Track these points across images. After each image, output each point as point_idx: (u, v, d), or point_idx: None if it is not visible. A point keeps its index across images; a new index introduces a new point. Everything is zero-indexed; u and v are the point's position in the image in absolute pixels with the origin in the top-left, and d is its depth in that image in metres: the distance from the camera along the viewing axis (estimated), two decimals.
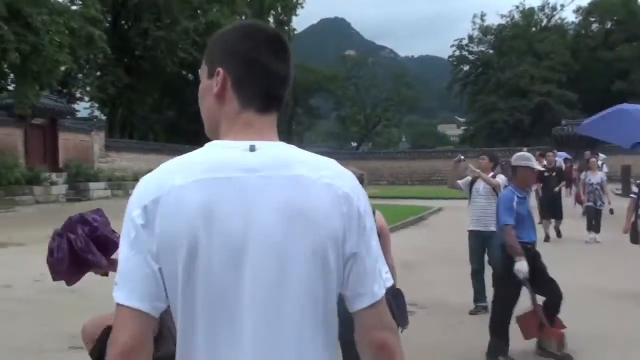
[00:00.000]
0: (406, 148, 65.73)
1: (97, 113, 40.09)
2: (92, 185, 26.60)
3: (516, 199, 5.49)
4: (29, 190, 23.27)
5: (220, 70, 1.36)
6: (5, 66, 19.19)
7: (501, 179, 7.50)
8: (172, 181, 1.26)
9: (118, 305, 1.27)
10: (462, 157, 7.63)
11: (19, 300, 7.58)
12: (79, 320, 5.33)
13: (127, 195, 28.08)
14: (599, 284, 8.64)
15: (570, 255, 11.23)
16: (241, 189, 1.25)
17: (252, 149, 1.30)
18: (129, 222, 1.28)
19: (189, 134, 43.29)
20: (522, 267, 5.30)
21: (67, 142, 27.88)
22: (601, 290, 8.21)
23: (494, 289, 5.70)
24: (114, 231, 2.95)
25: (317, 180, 1.29)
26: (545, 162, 15.56)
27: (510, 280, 5.39)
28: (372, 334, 1.37)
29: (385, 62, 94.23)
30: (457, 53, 62.29)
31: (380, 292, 1.37)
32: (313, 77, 56.39)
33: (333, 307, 1.34)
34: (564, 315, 6.66)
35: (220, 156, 1.29)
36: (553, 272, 9.20)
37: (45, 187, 24.39)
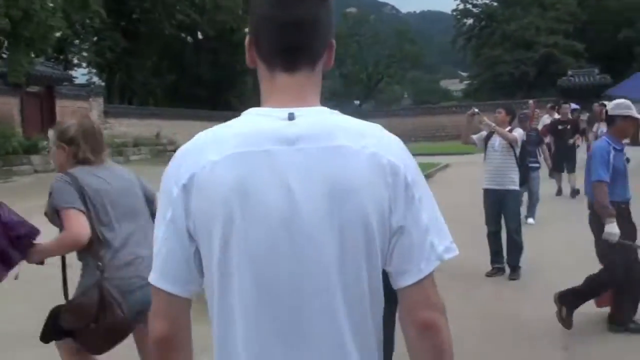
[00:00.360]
0: (409, 104, 64.97)
1: (95, 79, 39.52)
2: None
3: (612, 151, 4.90)
4: (27, 160, 22.83)
5: (246, 38, 1.31)
6: None
7: (518, 132, 7.00)
8: (207, 155, 1.21)
9: (153, 286, 1.28)
10: (476, 110, 7.12)
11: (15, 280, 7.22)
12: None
13: (128, 161, 27.87)
14: None
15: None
16: (278, 163, 1.19)
17: (291, 117, 1.22)
18: (166, 200, 1.25)
19: (189, 97, 42.83)
20: (612, 229, 4.76)
21: (65, 109, 27.34)
22: None
23: (600, 258, 5.04)
24: (18, 218, 2.89)
25: (359, 150, 1.21)
26: (557, 115, 15.06)
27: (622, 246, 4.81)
28: (416, 312, 1.27)
29: (386, 18, 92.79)
30: (461, 6, 60.87)
31: (427, 268, 1.26)
32: None
33: (378, 286, 1.27)
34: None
35: (257, 126, 1.23)
36: (568, 229, 8.87)
37: (43, 156, 23.96)
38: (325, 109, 1.28)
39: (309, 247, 1.20)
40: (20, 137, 23.49)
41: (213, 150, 1.22)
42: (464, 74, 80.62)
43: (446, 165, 19.93)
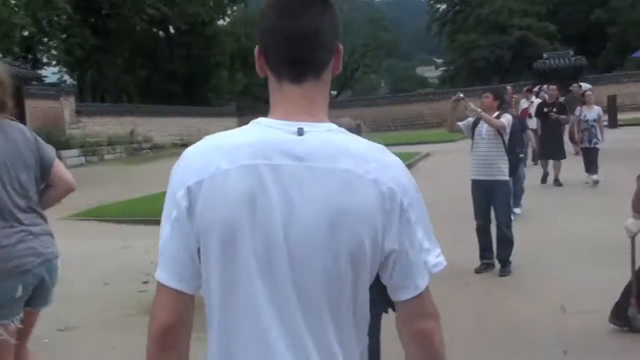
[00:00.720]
0: (386, 93, 64.72)
1: (66, 78, 38.71)
2: (64, 152, 25.30)
3: None
4: None
5: (256, 48, 1.35)
6: None
7: (506, 119, 6.55)
8: (217, 163, 1.25)
9: (159, 283, 1.32)
10: (461, 95, 6.64)
11: None
12: None
13: (102, 160, 27.32)
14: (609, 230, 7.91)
15: (575, 200, 10.60)
16: (286, 179, 1.24)
17: (300, 132, 1.27)
18: (171, 200, 1.29)
19: (164, 92, 42.18)
20: (632, 226, 4.47)
21: (35, 109, 26.62)
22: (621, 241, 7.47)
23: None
24: None
25: (362, 175, 1.27)
26: (533, 98, 14.84)
27: None
28: (413, 322, 1.37)
29: (359, 6, 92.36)
30: None
31: (423, 284, 1.35)
32: None
33: (364, 303, 1.34)
34: (586, 271, 6.07)
35: (267, 138, 1.27)
36: (556, 221, 8.67)
37: None
38: (334, 126, 1.32)
39: (304, 263, 1.25)
40: None
41: (223, 158, 1.25)
42: (439, 61, 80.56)
43: (427, 154, 19.68)
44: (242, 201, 1.23)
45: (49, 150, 2.97)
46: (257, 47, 1.35)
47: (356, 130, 3.63)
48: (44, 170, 2.90)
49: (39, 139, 2.97)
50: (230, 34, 47.96)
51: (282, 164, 1.24)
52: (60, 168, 2.98)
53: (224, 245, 1.25)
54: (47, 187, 2.94)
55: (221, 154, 1.26)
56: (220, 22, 49.35)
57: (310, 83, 1.31)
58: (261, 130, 1.29)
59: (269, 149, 1.25)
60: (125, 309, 5.92)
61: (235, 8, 52.16)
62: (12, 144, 2.78)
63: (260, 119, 1.32)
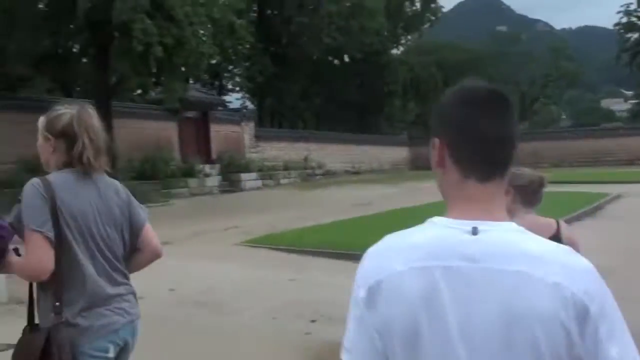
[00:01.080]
0: (567, 126, 61.29)
1: (247, 104, 40.88)
2: (243, 175, 26.78)
3: None
4: (184, 183, 23.64)
5: (437, 141, 1.35)
6: (153, 61, 19.36)
7: None
8: (393, 264, 1.28)
9: None
10: None
11: (150, 315, 6.91)
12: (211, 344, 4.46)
13: (278, 184, 28.37)
14: None
15: None
16: (459, 281, 1.23)
17: (474, 231, 1.25)
18: (355, 299, 1.33)
19: (337, 120, 43.11)
20: None
21: (218, 133, 28.31)
22: None
23: None
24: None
25: (541, 278, 1.19)
26: None
27: None
28: None
29: (539, 36, 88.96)
30: (624, 19, 56.94)
31: None
32: (463, 56, 54.29)
33: None
34: None
35: (441, 239, 1.28)
36: None
37: (199, 179, 24.79)
38: (513, 225, 1.27)
39: None
40: (178, 161, 24.42)
41: (398, 259, 1.27)
42: (629, 93, 75.12)
43: (618, 196, 17.90)
44: (417, 303, 1.23)
45: (141, 212, 2.78)
46: (437, 138, 1.33)
47: (537, 185, 3.23)
48: (133, 234, 2.72)
49: (132, 198, 2.78)
50: (403, 63, 48.06)
51: (454, 265, 1.23)
52: (149, 233, 2.79)
53: (405, 348, 1.25)
54: (133, 251, 2.77)
55: (396, 255, 1.29)
56: (394, 51, 49.64)
57: (495, 182, 1.30)
58: (435, 231, 1.29)
59: (442, 250, 1.25)
60: (289, 353, 5.63)
61: (409, 37, 52.28)
62: (104, 201, 2.64)
63: (436, 218, 1.32)
